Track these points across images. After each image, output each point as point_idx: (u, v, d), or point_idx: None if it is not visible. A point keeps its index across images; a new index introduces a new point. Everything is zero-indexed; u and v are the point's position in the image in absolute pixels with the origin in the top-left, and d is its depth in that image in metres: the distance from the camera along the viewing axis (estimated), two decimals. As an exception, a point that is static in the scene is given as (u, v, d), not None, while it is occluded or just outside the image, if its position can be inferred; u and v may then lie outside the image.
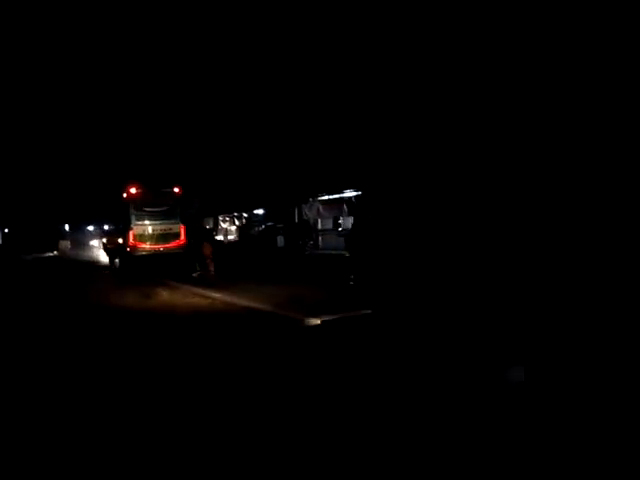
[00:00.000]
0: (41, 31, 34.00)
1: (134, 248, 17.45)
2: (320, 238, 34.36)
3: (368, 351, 6.58)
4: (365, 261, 9.48)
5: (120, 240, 18.70)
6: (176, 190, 18.76)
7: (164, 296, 12.09)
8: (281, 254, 30.72)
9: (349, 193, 30.04)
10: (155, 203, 18.08)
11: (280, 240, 35.89)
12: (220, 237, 35.31)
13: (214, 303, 10.84)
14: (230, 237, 37.04)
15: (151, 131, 35.19)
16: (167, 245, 17.86)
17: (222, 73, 33.62)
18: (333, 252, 29.08)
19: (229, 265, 19.46)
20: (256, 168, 34.92)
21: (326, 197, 32.49)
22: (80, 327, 9.47)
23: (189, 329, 8.83)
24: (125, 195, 18.17)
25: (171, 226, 17.97)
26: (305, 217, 34.53)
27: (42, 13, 33.05)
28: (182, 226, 18.36)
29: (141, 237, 17.55)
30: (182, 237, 18.20)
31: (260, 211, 39.16)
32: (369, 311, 8.34)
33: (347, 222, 32.29)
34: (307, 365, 6.54)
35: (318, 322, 8.62)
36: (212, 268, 16.74)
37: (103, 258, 22.99)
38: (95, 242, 32.40)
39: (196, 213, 32.62)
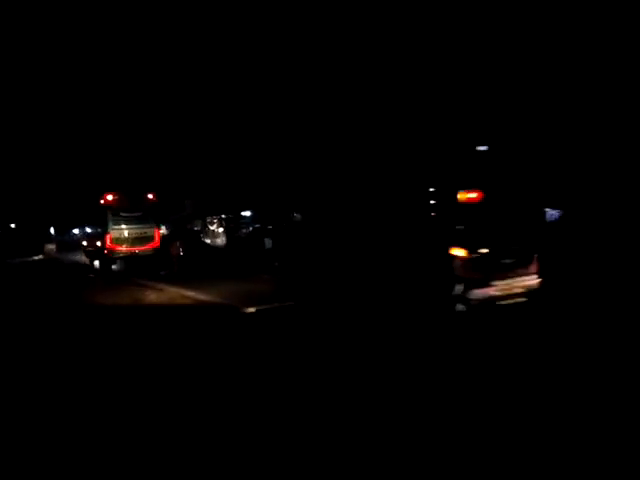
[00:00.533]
0: (18, 36, 33.73)
1: (111, 251, 19.07)
2: (308, 239, 34.65)
3: (283, 329, 8.99)
4: (290, 260, 11.00)
5: (99, 243, 20.14)
6: (150, 196, 20.45)
7: (134, 292, 13.77)
8: (268, 256, 30.76)
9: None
10: (131, 209, 19.55)
11: (268, 242, 36.02)
12: (208, 239, 35.31)
13: (173, 297, 12.49)
14: (218, 239, 37.09)
15: (141, 134, 35.24)
16: (142, 247, 19.46)
17: (212, 75, 33.75)
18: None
19: (208, 265, 20.52)
20: (245, 170, 35.03)
21: (314, 199, 32.73)
22: (60, 316, 11.58)
23: (149, 316, 10.80)
24: (102, 201, 19.67)
25: (146, 230, 19.55)
26: (295, 219, 34.74)
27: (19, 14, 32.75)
28: (157, 229, 20.12)
29: (118, 240, 19.10)
30: (156, 240, 19.95)
31: (248, 213, 39.26)
32: (291, 302, 10.58)
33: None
34: (238, 338, 8.55)
35: (253, 310, 10.50)
36: (176, 267, 18.62)
37: (86, 260, 24.36)
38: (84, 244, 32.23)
39: (188, 215, 32.55)
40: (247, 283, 13.68)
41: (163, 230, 34.24)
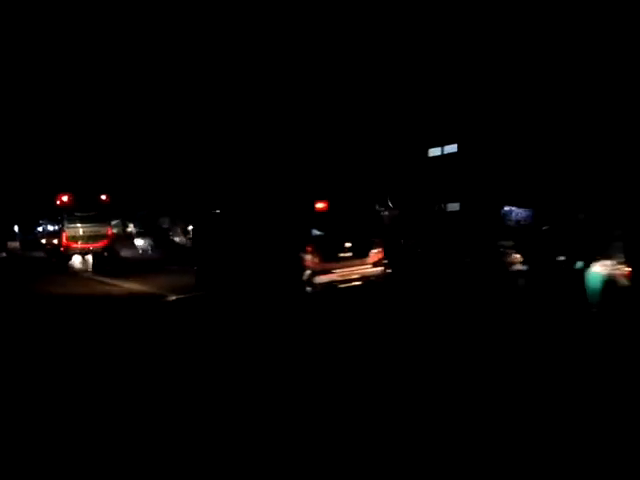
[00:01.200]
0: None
1: (67, 247, 20.77)
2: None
3: (193, 313, 10.85)
4: (202, 258, 13.04)
5: (56, 241, 21.79)
6: (103, 197, 21.88)
7: (80, 284, 15.65)
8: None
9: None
10: (84, 209, 20.99)
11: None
12: (177, 238, 34.86)
13: (111, 288, 14.35)
14: (183, 237, 36.65)
15: (103, 135, 35.14)
16: (95, 244, 21.02)
17: (178, 77, 33.41)
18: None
19: (162, 261, 22.23)
20: (214, 168, 34.80)
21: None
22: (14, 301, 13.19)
23: (87, 302, 12.52)
24: (58, 202, 21.33)
25: (99, 228, 21.05)
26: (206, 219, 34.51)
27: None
28: (109, 228, 21.61)
29: (73, 238, 20.71)
30: (109, 237, 21.48)
31: (217, 211, 38.97)
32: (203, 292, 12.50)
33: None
34: (159, 321, 10.22)
35: (174, 298, 12.32)
36: (116, 263, 20.35)
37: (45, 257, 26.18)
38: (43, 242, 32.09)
39: (148, 213, 32.29)
40: (185, 276, 14.76)
41: (131, 228, 33.81)
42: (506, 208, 17.14)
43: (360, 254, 10.44)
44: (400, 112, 23.89)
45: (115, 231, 25.26)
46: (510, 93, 19.42)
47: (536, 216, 16.68)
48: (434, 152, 23.99)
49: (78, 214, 20.88)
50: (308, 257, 9.90)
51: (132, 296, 13.04)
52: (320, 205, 10.25)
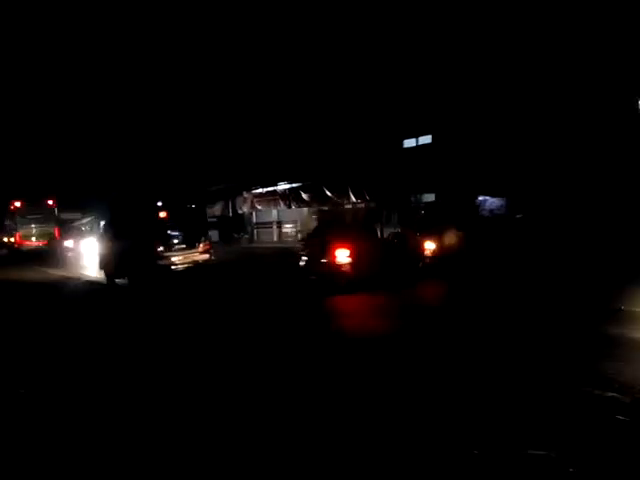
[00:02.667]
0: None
1: (20, 245, 24.65)
2: (255, 232, 34.33)
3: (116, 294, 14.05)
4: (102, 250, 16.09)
5: (12, 239, 25.54)
6: (50, 202, 25.65)
7: (27, 273, 18.60)
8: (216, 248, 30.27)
9: (283, 185, 30.18)
10: (34, 212, 24.86)
11: (214, 234, 35.54)
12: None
13: (54, 276, 17.53)
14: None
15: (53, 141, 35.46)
16: (44, 242, 24.53)
17: (159, 66, 32.87)
18: (269, 245, 29.18)
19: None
20: (188, 161, 34.34)
21: (260, 190, 32.40)
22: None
23: (33, 288, 15.21)
24: (12, 207, 25.19)
25: (47, 228, 24.58)
26: (240, 211, 34.33)
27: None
28: (56, 227, 24.65)
29: (25, 236, 24.59)
30: (57, 235, 24.41)
31: (193, 206, 38.49)
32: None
33: (282, 215, 32.50)
34: (96, 299, 13.13)
35: (84, 280, 16.12)
36: (60, 255, 23.04)
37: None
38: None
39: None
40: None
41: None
42: (480, 198, 17.12)
43: (191, 246, 14.78)
44: (374, 103, 23.74)
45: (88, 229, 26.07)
46: (484, 83, 19.42)
47: (509, 205, 16.73)
48: (409, 143, 23.92)
49: (29, 216, 24.84)
50: (157, 247, 14.15)
51: (62, 280, 16.72)
52: (162, 214, 15.08)
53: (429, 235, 14.24)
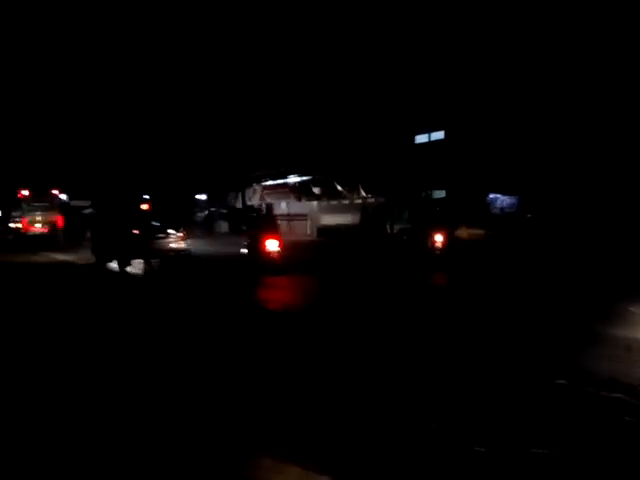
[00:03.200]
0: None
1: (26, 230, 26.43)
2: (264, 224, 34.39)
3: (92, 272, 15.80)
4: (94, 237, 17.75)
5: (19, 225, 27.25)
6: (54, 192, 27.76)
7: (32, 256, 20.23)
8: (221, 239, 30.34)
9: (293, 178, 30.20)
10: (39, 200, 26.74)
11: (224, 225, 35.63)
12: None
13: (55, 259, 19.26)
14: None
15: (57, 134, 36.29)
16: (48, 228, 26.35)
17: (160, 56, 32.89)
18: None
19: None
20: (199, 153, 34.43)
21: (270, 182, 32.46)
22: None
23: (37, 267, 16.97)
24: (19, 195, 27.18)
25: (52, 216, 26.40)
26: (249, 202, 34.41)
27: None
28: (59, 215, 26.66)
29: (31, 222, 26.32)
30: (59, 223, 26.49)
31: (203, 196, 38.65)
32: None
33: (291, 207, 32.53)
34: (82, 276, 14.80)
35: (82, 263, 17.23)
36: (62, 241, 25.38)
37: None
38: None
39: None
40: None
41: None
42: (491, 195, 17.06)
43: (170, 235, 15.95)
44: (387, 98, 23.66)
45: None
46: (498, 81, 19.29)
47: (521, 204, 16.68)
48: (421, 139, 23.82)
49: (35, 204, 26.59)
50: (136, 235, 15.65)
51: (64, 263, 18.21)
52: (145, 207, 17.40)
53: (439, 230, 15.98)
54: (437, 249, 15.62)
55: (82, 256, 18.18)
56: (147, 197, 18.66)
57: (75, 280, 13.79)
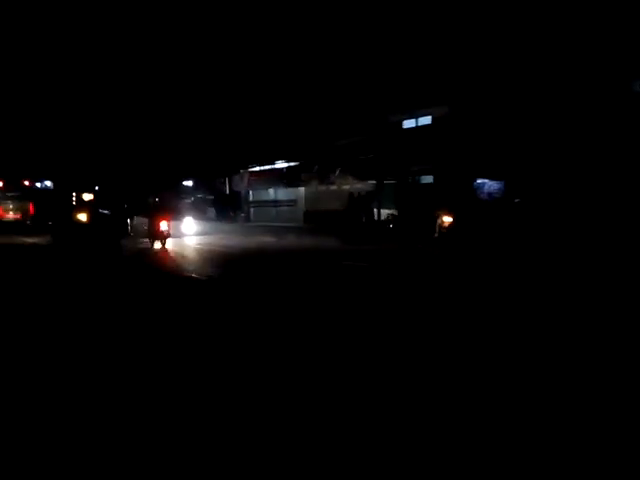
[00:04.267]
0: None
1: (1, 217, 28.90)
2: (252, 210, 34.17)
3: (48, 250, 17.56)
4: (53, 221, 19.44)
5: None
6: (26, 182, 31.35)
7: (8, 239, 21.98)
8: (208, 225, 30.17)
9: (281, 164, 30.00)
10: (13, 190, 29.89)
11: (211, 212, 35.38)
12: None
13: (24, 241, 20.95)
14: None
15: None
16: (20, 215, 29.02)
17: (142, 46, 32.35)
18: (264, 224, 29.06)
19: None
20: (184, 138, 34.06)
21: (257, 168, 32.21)
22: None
23: (8, 246, 19.19)
24: None
25: (23, 204, 29.03)
26: (237, 188, 34.17)
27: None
28: (31, 204, 28.78)
29: (5, 210, 29.07)
30: (31, 211, 28.70)
31: (190, 183, 38.34)
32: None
33: (279, 193, 32.35)
34: (34, 251, 17.62)
35: (44, 243, 18.95)
36: (32, 226, 27.06)
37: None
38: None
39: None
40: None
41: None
42: (478, 180, 17.03)
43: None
44: (376, 83, 23.47)
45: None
46: (485, 66, 19.19)
47: (508, 189, 16.67)
48: (409, 124, 23.68)
49: (8, 194, 29.53)
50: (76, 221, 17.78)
51: (30, 244, 20.12)
52: (89, 197, 19.05)
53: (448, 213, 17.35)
54: (444, 229, 17.27)
55: (47, 239, 19.89)
56: (96, 188, 21.45)
57: (28, 256, 16.67)
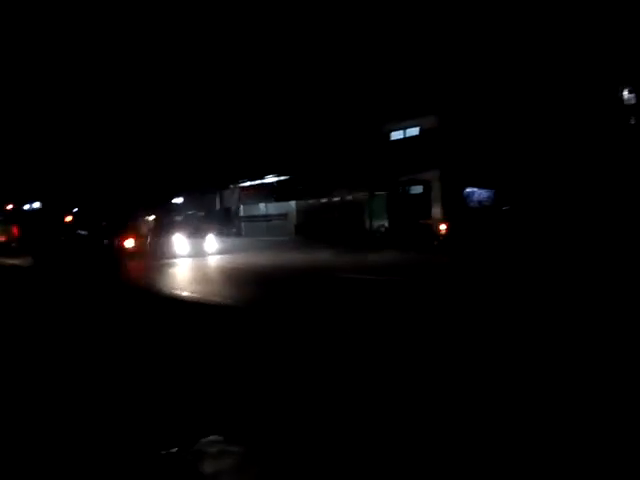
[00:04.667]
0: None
1: None
2: (243, 225, 34.24)
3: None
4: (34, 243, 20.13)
5: None
6: (9, 207, 33.65)
7: None
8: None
9: (271, 178, 30.15)
10: None
11: (213, 228, 35.30)
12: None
13: (4, 262, 21.01)
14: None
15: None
16: (4, 238, 29.83)
17: (130, 58, 32.53)
18: (259, 238, 29.12)
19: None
20: (174, 155, 34.14)
21: (248, 183, 32.34)
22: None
23: None
24: None
25: (6, 227, 30.11)
26: (227, 204, 34.25)
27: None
28: (14, 227, 30.06)
29: None
30: (14, 234, 29.98)
31: (180, 200, 38.32)
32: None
33: (270, 208, 32.45)
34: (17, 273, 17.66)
35: (27, 265, 19.13)
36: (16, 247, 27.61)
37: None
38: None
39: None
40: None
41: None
42: (468, 189, 17.26)
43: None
44: (364, 95, 23.77)
45: None
46: (473, 76, 19.52)
47: (497, 197, 16.94)
48: (396, 135, 23.98)
49: None
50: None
51: (11, 265, 20.21)
52: (68, 218, 20.00)
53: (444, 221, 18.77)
54: (441, 235, 18.31)
55: (29, 260, 20.56)
56: (75, 210, 21.95)
57: (7, 276, 17.15)
